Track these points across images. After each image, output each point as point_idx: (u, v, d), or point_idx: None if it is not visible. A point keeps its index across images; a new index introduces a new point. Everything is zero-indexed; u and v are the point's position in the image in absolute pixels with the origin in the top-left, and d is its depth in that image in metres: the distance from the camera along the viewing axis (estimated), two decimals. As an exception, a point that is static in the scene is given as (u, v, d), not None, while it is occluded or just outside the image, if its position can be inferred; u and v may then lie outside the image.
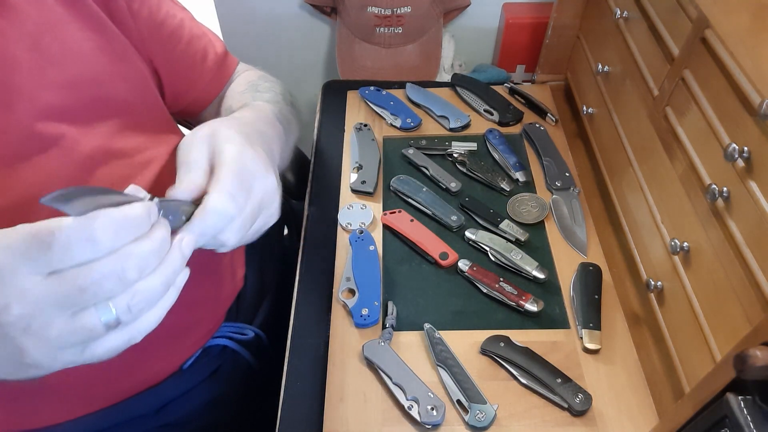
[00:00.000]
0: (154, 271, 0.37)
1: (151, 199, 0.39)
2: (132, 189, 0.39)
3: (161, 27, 0.67)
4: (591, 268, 0.73)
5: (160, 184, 0.60)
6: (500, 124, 0.94)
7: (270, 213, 0.51)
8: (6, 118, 0.50)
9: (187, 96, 0.73)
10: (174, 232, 0.41)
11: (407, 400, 0.62)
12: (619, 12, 0.74)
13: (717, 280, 0.51)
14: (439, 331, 0.68)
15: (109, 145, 0.57)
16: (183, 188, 0.44)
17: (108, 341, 0.37)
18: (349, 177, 0.87)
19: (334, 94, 1.03)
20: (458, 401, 0.63)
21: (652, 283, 0.63)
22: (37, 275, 0.34)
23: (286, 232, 1.03)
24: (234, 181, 0.45)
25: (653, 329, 0.65)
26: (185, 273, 0.40)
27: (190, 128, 0.87)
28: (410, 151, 0.89)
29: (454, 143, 0.90)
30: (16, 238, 0.34)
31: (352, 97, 1.01)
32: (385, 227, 0.81)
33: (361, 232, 0.78)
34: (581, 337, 0.67)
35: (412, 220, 0.80)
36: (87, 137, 0.55)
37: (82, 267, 0.35)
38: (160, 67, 0.69)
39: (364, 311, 0.70)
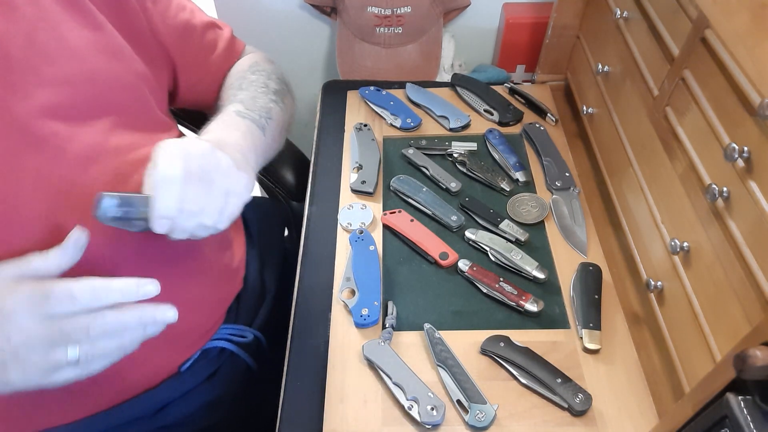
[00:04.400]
0: (112, 336, 0.49)
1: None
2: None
3: (175, 21, 0.68)
4: (591, 268, 0.73)
5: None
6: (500, 124, 0.94)
7: (241, 200, 0.57)
8: (0, 116, 0.50)
9: (200, 85, 0.74)
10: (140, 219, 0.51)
11: (407, 400, 0.62)
12: (619, 12, 0.74)
13: (717, 280, 0.51)
14: (439, 331, 0.68)
15: (103, 143, 0.57)
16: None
17: (65, 373, 0.48)
18: (349, 177, 0.87)
19: (334, 94, 1.03)
20: (458, 401, 0.63)
21: (652, 283, 0.63)
22: (35, 318, 0.46)
23: (286, 233, 1.03)
24: (180, 154, 0.52)
25: (653, 329, 0.65)
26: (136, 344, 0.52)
27: (193, 131, 0.87)
28: (410, 151, 0.89)
29: (454, 143, 0.90)
30: (23, 289, 0.46)
31: (352, 97, 1.01)
32: (385, 227, 0.81)
33: (361, 232, 0.78)
34: (581, 337, 0.67)
35: (412, 220, 0.80)
36: (81, 135, 0.55)
37: (67, 317, 0.47)
38: (176, 60, 0.70)
39: (364, 311, 0.70)
